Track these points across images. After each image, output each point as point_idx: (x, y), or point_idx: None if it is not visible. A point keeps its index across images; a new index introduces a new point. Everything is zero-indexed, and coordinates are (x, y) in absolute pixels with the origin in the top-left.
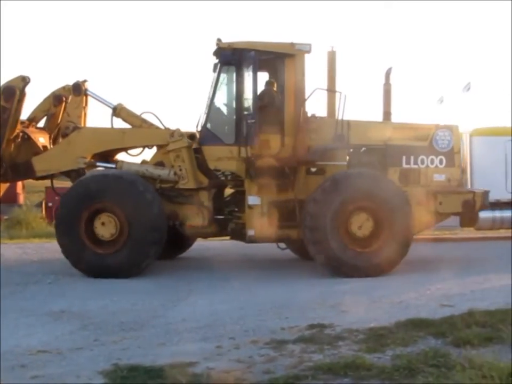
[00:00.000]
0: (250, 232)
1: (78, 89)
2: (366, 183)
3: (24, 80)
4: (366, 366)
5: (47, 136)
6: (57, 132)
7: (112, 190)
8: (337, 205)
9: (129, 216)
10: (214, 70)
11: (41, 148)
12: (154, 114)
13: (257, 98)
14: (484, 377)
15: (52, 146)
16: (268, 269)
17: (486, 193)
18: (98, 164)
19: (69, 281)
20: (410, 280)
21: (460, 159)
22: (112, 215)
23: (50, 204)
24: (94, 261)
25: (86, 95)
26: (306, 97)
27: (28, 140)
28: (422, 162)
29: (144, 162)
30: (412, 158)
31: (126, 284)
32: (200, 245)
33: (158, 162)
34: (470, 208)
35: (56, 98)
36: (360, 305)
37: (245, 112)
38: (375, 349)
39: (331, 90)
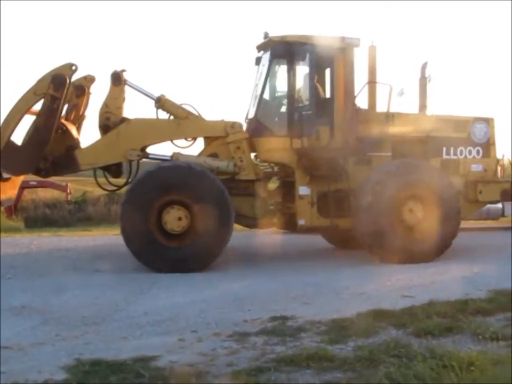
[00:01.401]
0: (301, 222)
1: (118, 79)
2: (417, 172)
3: (72, 68)
4: (328, 357)
5: (75, 128)
6: (80, 124)
7: (186, 182)
8: (394, 194)
9: (203, 208)
10: (257, 63)
11: (76, 141)
12: (192, 106)
13: (314, 90)
14: (445, 366)
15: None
16: (230, 261)
17: None
18: (151, 156)
19: (29, 276)
20: (371, 271)
21: (495, 150)
22: (182, 208)
23: None
24: (166, 255)
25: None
26: (356, 90)
27: (64, 131)
28: (461, 153)
29: (200, 154)
30: (452, 149)
31: (87, 278)
32: None
33: (212, 154)
34: (507, 196)
35: (78, 89)
36: (322, 296)
37: (300, 104)
38: (337, 340)
39: (381, 83)
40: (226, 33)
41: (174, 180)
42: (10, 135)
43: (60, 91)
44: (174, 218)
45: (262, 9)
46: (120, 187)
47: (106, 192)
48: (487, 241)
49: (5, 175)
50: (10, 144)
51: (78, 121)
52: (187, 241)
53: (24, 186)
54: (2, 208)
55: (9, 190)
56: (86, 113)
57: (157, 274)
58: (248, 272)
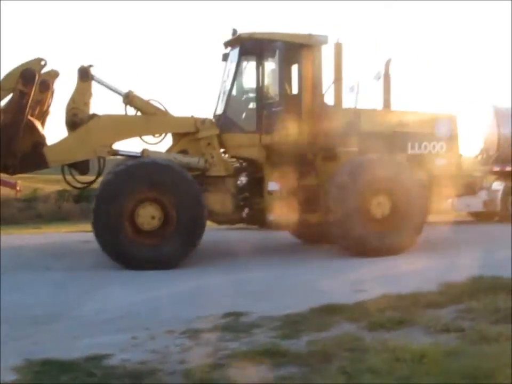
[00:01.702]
0: (270, 217)
1: (85, 75)
2: (385, 167)
3: (41, 63)
4: (282, 353)
5: (40, 124)
6: (43, 120)
7: (161, 179)
8: (360, 188)
9: (178, 205)
10: (224, 59)
11: (43, 137)
12: (159, 102)
13: (283, 87)
14: (397, 359)
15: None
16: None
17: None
18: (121, 152)
19: None
20: (323, 266)
21: (458, 146)
22: (156, 205)
23: None
24: (139, 253)
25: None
26: (324, 87)
27: (31, 127)
28: (426, 148)
29: (168, 150)
30: (417, 144)
31: (38, 276)
32: None
33: (181, 150)
34: (471, 190)
35: (42, 84)
36: (275, 292)
37: (269, 101)
38: (290, 335)
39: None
40: (191, 28)
41: (152, 176)
42: None
43: (29, 86)
44: (148, 216)
45: (227, 4)
46: (89, 184)
47: (57, 189)
48: (437, 235)
49: None
50: None
51: (42, 117)
52: (160, 238)
53: None
54: None
55: None
56: (50, 109)
57: (109, 272)
58: (202, 269)
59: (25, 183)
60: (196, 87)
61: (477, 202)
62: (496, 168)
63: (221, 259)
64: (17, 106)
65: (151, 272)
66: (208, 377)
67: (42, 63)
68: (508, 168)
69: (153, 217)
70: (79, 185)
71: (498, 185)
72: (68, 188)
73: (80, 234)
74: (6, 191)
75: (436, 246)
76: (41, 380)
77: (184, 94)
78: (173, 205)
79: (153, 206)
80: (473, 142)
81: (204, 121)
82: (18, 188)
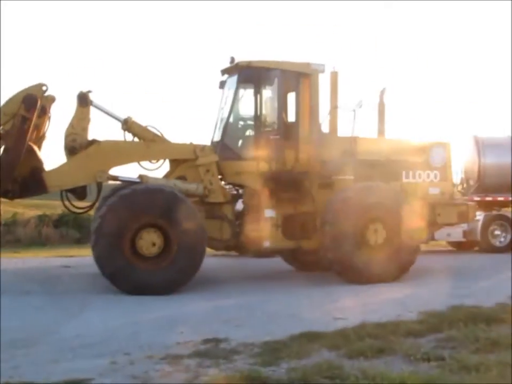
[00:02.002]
0: (266, 244)
1: (84, 100)
2: (379, 195)
3: (43, 89)
4: (262, 379)
5: (38, 148)
6: (40, 144)
7: (161, 205)
8: (355, 216)
9: (179, 231)
10: (221, 87)
11: (41, 162)
12: (156, 129)
13: (280, 115)
14: None
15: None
16: None
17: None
18: (120, 178)
19: None
20: (303, 294)
21: (452, 174)
22: (157, 230)
23: None
24: (140, 278)
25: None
26: (321, 115)
27: (29, 152)
28: (420, 176)
29: (166, 176)
30: (411, 172)
31: (17, 300)
32: (88, 259)
33: (180, 176)
34: (464, 218)
35: (41, 109)
36: (254, 319)
37: (267, 129)
38: (270, 362)
39: (345, 108)
40: (187, 56)
41: (153, 202)
42: None
43: (31, 112)
44: (148, 241)
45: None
46: (88, 208)
47: (37, 214)
48: (417, 264)
49: None
50: None
51: (39, 141)
52: (160, 264)
53: None
54: None
55: None
56: (46, 133)
57: (89, 297)
58: (181, 295)
59: (4, 207)
60: (191, 114)
61: (457, 232)
62: (477, 198)
63: (205, 285)
64: (19, 131)
65: (130, 297)
66: None
67: (44, 88)
68: (488, 198)
69: (154, 244)
70: (77, 210)
71: (478, 215)
72: (58, 212)
73: (59, 259)
74: None
75: (416, 275)
76: None
77: (179, 120)
78: (174, 231)
79: (154, 232)
80: (454, 172)
81: (203, 148)
82: None
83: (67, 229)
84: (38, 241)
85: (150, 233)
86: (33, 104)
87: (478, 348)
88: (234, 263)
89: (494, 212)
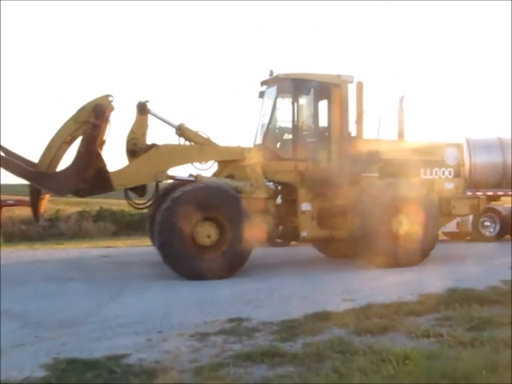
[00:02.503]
0: (303, 233)
1: (143, 109)
2: (402, 190)
3: (109, 99)
4: (280, 354)
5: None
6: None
7: (218, 200)
8: (381, 208)
9: (232, 223)
10: (261, 96)
11: (104, 163)
12: (205, 133)
13: (315, 120)
14: (383, 360)
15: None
16: None
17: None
18: (177, 177)
19: (8, 285)
20: (315, 278)
21: (464, 171)
22: (213, 223)
23: None
24: (197, 265)
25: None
26: (350, 120)
27: (96, 155)
28: (436, 173)
29: (215, 175)
30: (428, 170)
31: (62, 286)
32: (124, 250)
33: (228, 175)
34: (475, 210)
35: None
36: (272, 301)
37: (303, 132)
38: (287, 338)
39: (370, 114)
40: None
41: (210, 199)
42: (53, 159)
43: (100, 119)
44: (205, 234)
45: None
46: (147, 205)
47: (78, 210)
48: None
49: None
50: (54, 168)
51: (101, 145)
52: (217, 253)
53: (1, 205)
54: None
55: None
56: (107, 138)
57: (125, 281)
58: (206, 281)
59: (48, 205)
60: (229, 119)
61: (450, 223)
62: (469, 193)
63: None
64: (90, 137)
65: (162, 282)
66: (215, 375)
67: (110, 99)
68: (479, 193)
69: (209, 235)
70: (139, 206)
71: None
72: (126, 208)
73: (98, 249)
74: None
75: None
76: (67, 377)
77: (217, 125)
78: (228, 223)
79: (210, 225)
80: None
81: (250, 150)
82: (43, 209)
83: (104, 223)
84: (78, 234)
85: (207, 225)
86: (102, 112)
87: (472, 325)
88: (259, 251)
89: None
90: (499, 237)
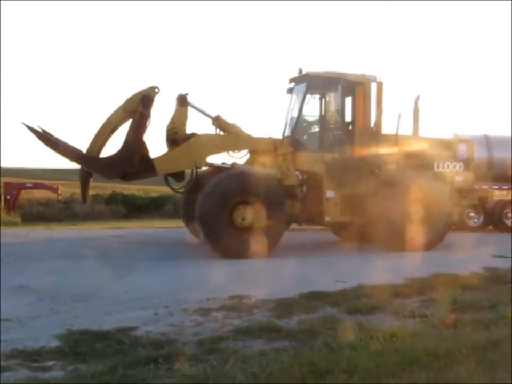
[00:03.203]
0: (327, 218)
1: (184, 101)
2: (418, 181)
3: (155, 90)
4: (277, 329)
5: None
6: None
7: (258, 185)
8: (399, 196)
9: (268, 207)
10: (289, 92)
11: (147, 150)
12: (237, 125)
13: (341, 115)
14: (371, 337)
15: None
16: (195, 251)
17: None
18: (215, 165)
19: (26, 262)
20: (311, 260)
21: (473, 165)
22: (249, 207)
23: (8, 197)
24: (232, 244)
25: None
26: (372, 117)
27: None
28: (448, 167)
29: (248, 163)
30: (441, 163)
31: (76, 263)
32: (134, 231)
33: (261, 164)
34: (483, 201)
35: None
36: (270, 280)
37: (330, 126)
38: (283, 315)
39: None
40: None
41: (249, 184)
42: (103, 145)
43: (148, 109)
44: (243, 215)
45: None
46: (183, 189)
47: (92, 194)
48: None
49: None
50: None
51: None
52: (252, 233)
53: (21, 188)
54: (2, 205)
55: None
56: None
57: (134, 260)
58: (211, 260)
59: (64, 188)
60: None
61: None
62: (495, 186)
63: None
64: (139, 125)
65: (168, 262)
66: (216, 347)
67: (156, 90)
68: (505, 187)
69: (245, 218)
70: (179, 190)
71: None
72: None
73: (110, 230)
74: (49, 194)
75: (379, 247)
76: (80, 346)
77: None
78: (264, 206)
79: (248, 207)
80: None
81: (282, 141)
82: (59, 192)
83: (116, 206)
84: (92, 216)
85: (245, 207)
86: (150, 103)
87: (455, 308)
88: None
89: None
90: (483, 227)
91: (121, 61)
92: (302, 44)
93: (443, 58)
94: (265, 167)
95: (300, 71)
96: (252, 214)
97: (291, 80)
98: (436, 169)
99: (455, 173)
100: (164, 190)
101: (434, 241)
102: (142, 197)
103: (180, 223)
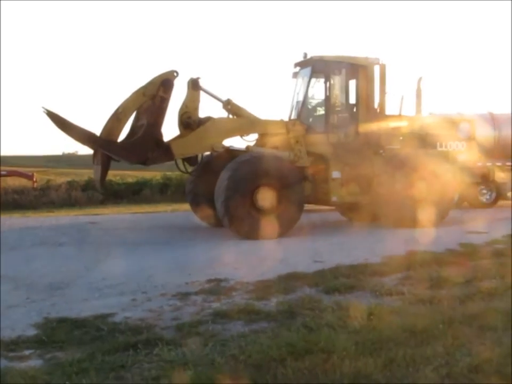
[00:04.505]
0: (334, 198)
1: (196, 85)
2: (421, 159)
3: (174, 74)
4: (255, 311)
5: None
6: None
7: (277, 167)
8: (403, 175)
9: (287, 190)
10: (294, 77)
11: (161, 134)
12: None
13: (345, 98)
14: (349, 317)
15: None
16: (174, 235)
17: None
18: (231, 148)
19: (1, 250)
20: (289, 242)
21: (475, 144)
22: (269, 188)
23: None
24: (253, 224)
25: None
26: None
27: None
28: (450, 146)
29: (260, 146)
30: (444, 143)
31: (52, 250)
32: (111, 217)
33: (273, 147)
34: (486, 178)
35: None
36: (248, 263)
37: (335, 109)
38: (262, 297)
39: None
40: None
41: (269, 167)
42: (121, 129)
43: (168, 93)
44: (263, 197)
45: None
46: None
47: (67, 180)
48: None
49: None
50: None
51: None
52: (272, 214)
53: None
54: None
55: None
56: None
57: (111, 246)
58: (187, 244)
59: (40, 175)
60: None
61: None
62: (498, 164)
63: (202, 236)
64: (159, 109)
65: (146, 247)
66: (195, 331)
67: (175, 74)
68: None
69: (266, 199)
70: (187, 172)
71: None
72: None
73: (87, 217)
74: (24, 182)
75: (379, 227)
76: (57, 334)
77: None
78: (283, 188)
79: (267, 189)
80: None
81: (294, 123)
82: (35, 179)
83: (93, 192)
84: (68, 203)
85: (265, 189)
86: (170, 87)
87: (431, 284)
88: None
89: None
90: (495, 203)
91: (126, 45)
92: (307, 29)
93: (447, 38)
94: (278, 150)
95: (305, 55)
96: (273, 196)
97: (296, 65)
98: (438, 149)
99: (458, 152)
100: (140, 174)
101: (437, 219)
102: (118, 183)
103: (157, 208)
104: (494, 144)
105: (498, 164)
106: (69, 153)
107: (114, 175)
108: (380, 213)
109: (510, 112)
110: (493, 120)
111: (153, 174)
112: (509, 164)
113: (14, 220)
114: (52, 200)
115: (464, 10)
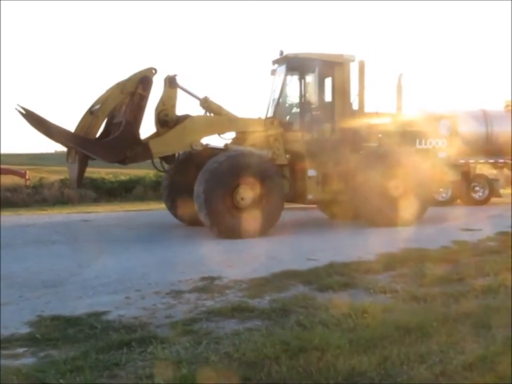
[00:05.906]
0: (310, 196)
1: (173, 83)
2: (398, 157)
3: (153, 72)
4: (249, 309)
5: None
6: None
7: (257, 165)
8: (379, 173)
9: (267, 187)
10: (272, 74)
11: (139, 133)
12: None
13: (320, 95)
14: (343, 315)
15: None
16: (166, 233)
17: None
18: (209, 146)
19: None
20: (282, 240)
21: (456, 141)
22: (251, 187)
23: None
24: (235, 225)
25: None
26: (352, 95)
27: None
28: (430, 143)
29: (237, 144)
30: (423, 140)
31: (45, 248)
32: (104, 215)
33: (251, 145)
34: (466, 176)
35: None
36: (242, 260)
37: (310, 106)
38: (256, 295)
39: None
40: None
41: (249, 165)
42: (99, 127)
43: (147, 91)
44: (243, 195)
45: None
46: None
47: (60, 178)
48: None
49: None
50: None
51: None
52: (252, 213)
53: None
54: None
55: None
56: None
57: (105, 244)
58: (180, 242)
59: (32, 173)
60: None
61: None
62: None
63: (194, 233)
64: (138, 107)
65: (139, 244)
66: (189, 329)
67: (154, 71)
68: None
69: (245, 197)
70: (162, 171)
71: None
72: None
73: (79, 215)
74: (17, 180)
75: (362, 224)
76: (51, 332)
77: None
78: (263, 186)
79: (246, 187)
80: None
81: (272, 121)
82: (27, 177)
83: (85, 190)
84: (61, 201)
85: (245, 188)
86: (149, 84)
87: (425, 282)
88: None
89: None
90: (487, 200)
91: (102, 41)
92: (289, 26)
93: (445, 36)
94: (256, 148)
95: (281, 52)
96: (254, 194)
97: (273, 62)
98: (417, 146)
99: (438, 150)
100: (133, 172)
101: (416, 216)
102: (111, 181)
103: (150, 206)
104: (487, 141)
105: (491, 160)
106: (61, 151)
107: (107, 173)
108: (358, 211)
109: (503, 109)
110: (485, 116)
111: (146, 171)
112: (501, 160)
113: (6, 218)
114: (45, 198)
115: (463, 10)
